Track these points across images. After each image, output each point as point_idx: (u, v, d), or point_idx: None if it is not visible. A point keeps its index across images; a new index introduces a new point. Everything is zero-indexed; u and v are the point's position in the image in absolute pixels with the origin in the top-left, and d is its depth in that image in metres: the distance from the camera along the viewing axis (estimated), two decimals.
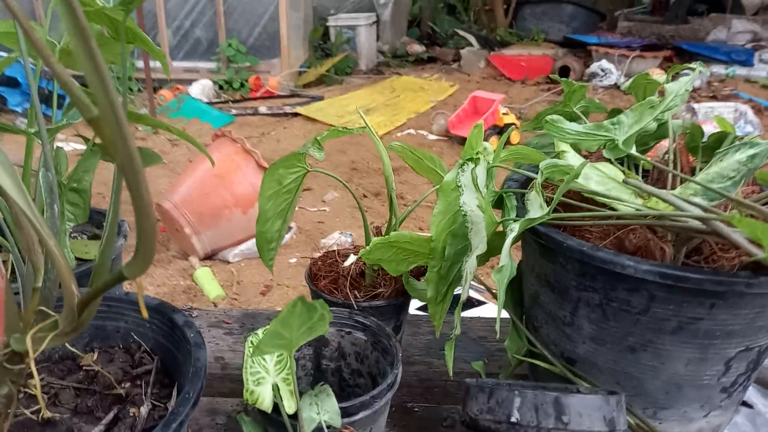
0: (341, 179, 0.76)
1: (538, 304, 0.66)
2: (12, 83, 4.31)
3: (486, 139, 3.69)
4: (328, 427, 0.51)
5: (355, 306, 0.68)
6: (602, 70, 5.07)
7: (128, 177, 0.29)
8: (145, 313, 0.37)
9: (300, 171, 0.69)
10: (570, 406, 0.49)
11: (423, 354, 0.82)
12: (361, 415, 0.53)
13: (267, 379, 0.48)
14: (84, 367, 0.55)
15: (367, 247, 0.62)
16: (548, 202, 0.57)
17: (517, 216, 0.62)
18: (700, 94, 4.73)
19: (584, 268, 0.57)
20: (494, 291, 0.77)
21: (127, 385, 0.53)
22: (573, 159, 0.63)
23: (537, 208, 0.57)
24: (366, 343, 0.65)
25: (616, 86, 5.09)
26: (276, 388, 0.48)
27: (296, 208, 2.60)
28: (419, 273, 0.77)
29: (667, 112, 0.68)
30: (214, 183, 2.28)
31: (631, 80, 0.76)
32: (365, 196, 3.14)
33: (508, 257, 0.54)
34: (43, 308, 0.41)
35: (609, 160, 0.66)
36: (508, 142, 3.38)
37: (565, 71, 5.31)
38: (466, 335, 0.87)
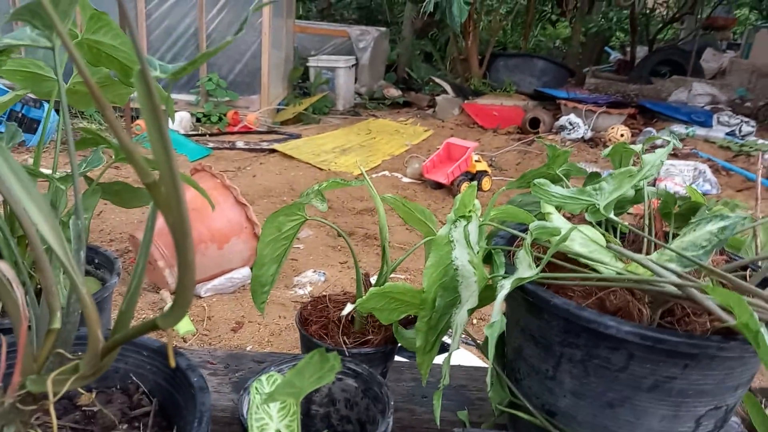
0: (340, 230, 0.79)
1: (522, 357, 0.69)
2: None
3: (458, 185, 3.78)
4: None
5: (346, 353, 0.70)
6: (570, 124, 5.27)
7: (177, 236, 0.32)
8: (172, 362, 0.39)
9: (299, 219, 0.72)
10: None
11: (406, 401, 0.83)
12: None
13: (270, 425, 0.50)
14: (81, 407, 0.55)
15: (364, 297, 0.65)
16: (535, 260, 0.61)
17: (505, 273, 0.66)
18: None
19: (568, 326, 0.61)
20: (476, 339, 0.80)
21: (125, 426, 0.54)
22: (559, 221, 0.68)
23: (526, 267, 0.61)
24: (356, 390, 0.67)
25: (583, 139, 5.29)
26: None
27: None
28: (406, 322, 0.79)
29: (643, 181, 0.73)
30: (191, 217, 2.26)
31: (610, 148, 0.82)
32: (339, 235, 3.16)
33: (500, 313, 0.57)
34: (60, 350, 0.43)
35: (590, 223, 0.71)
36: (480, 189, 3.45)
37: (535, 123, 5.50)
38: (450, 382, 0.89)
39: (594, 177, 0.86)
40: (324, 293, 0.83)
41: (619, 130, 4.97)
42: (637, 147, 0.83)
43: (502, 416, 0.75)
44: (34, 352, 0.45)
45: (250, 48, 5.14)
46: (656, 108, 5.88)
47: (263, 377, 0.52)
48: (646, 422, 0.60)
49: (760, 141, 5.17)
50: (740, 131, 5.36)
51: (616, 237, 0.74)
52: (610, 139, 4.96)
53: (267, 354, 0.92)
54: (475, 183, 0.71)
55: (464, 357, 1.85)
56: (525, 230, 0.74)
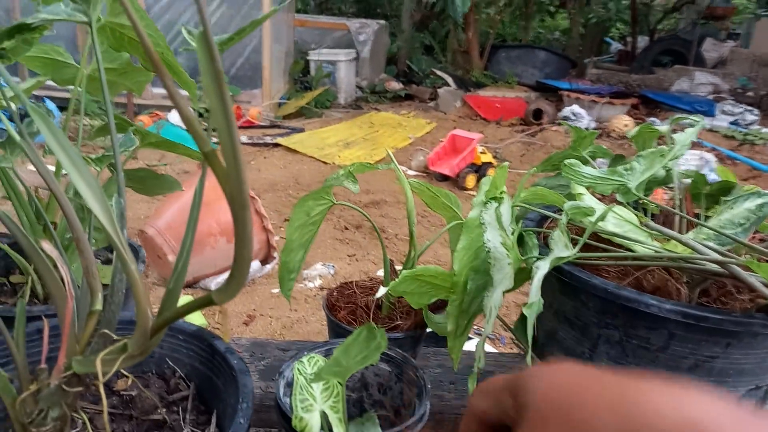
0: (365, 213, 0.78)
1: (555, 340, 0.69)
2: None
3: (464, 177, 3.77)
4: None
5: None
6: (574, 115, 5.25)
7: (236, 208, 0.31)
8: (227, 338, 0.38)
9: (326, 203, 0.71)
10: None
11: (434, 387, 0.83)
12: None
13: (315, 406, 0.49)
14: (119, 392, 0.55)
15: (397, 280, 0.64)
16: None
17: (539, 254, 0.65)
18: (665, 141, 4.94)
19: (606, 306, 0.60)
20: (507, 323, 0.79)
21: (163, 411, 0.54)
22: (591, 201, 0.67)
23: (562, 248, 0.60)
24: (390, 375, 0.66)
25: (587, 130, 5.27)
26: (323, 416, 0.49)
27: (277, 238, 2.60)
28: (435, 307, 0.79)
29: (673, 161, 0.72)
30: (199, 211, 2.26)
31: (636, 129, 0.81)
32: (347, 228, 3.16)
33: (538, 294, 0.57)
34: (105, 331, 0.42)
35: (621, 204, 0.70)
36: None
37: (538, 114, 5.49)
38: (470, 369, 0.89)
39: (618, 159, 0.85)
40: (350, 279, 0.82)
41: (622, 120, 4.96)
42: (664, 128, 0.82)
43: None
44: (77, 333, 0.44)
45: (251, 42, 5.13)
46: (659, 98, 5.86)
47: (304, 358, 0.52)
48: None
49: (764, 130, 5.15)
50: (744, 120, 5.35)
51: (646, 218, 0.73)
52: (614, 130, 4.95)
53: (291, 342, 0.91)
54: (506, 164, 0.70)
55: (470, 345, 1.85)
56: (555, 212, 0.73)
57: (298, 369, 0.49)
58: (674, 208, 0.72)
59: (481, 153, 3.93)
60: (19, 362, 0.41)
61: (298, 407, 0.47)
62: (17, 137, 0.43)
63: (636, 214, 0.68)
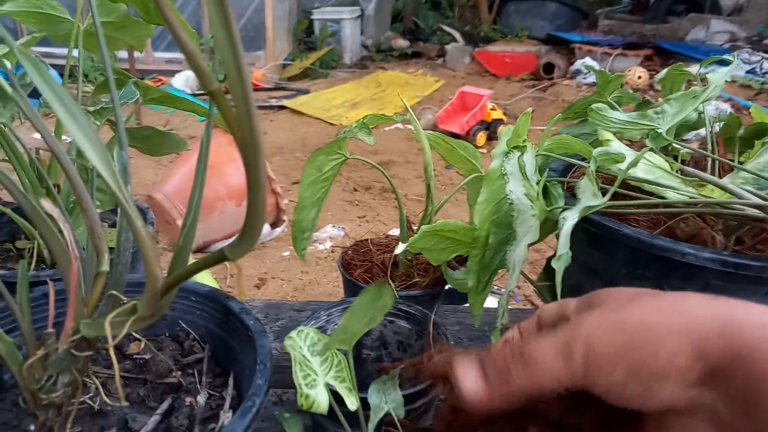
0: (380, 168, 0.75)
1: (580, 294, 0.66)
2: None
3: (474, 135, 3.72)
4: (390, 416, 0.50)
5: (397, 294, 0.67)
6: (586, 68, 5.13)
7: (248, 153, 0.28)
8: (242, 296, 0.35)
9: (339, 158, 0.68)
10: None
11: (453, 344, 0.81)
12: (419, 402, 0.52)
13: (318, 380, 0.46)
14: (132, 356, 0.53)
15: (415, 235, 0.61)
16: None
17: (565, 204, 0.62)
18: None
19: (637, 257, 0.57)
20: (530, 278, 0.77)
21: (178, 374, 0.52)
22: (619, 147, 0.63)
23: (591, 196, 0.57)
24: (410, 332, 0.64)
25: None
26: (329, 387, 0.47)
27: (286, 202, 2.58)
28: (453, 263, 0.76)
29: (706, 103, 0.68)
30: (206, 174, 2.24)
31: (664, 72, 0.76)
32: (356, 190, 3.13)
33: (567, 245, 0.54)
34: (113, 292, 0.40)
35: (651, 149, 0.67)
36: (496, 138, 3.40)
37: (549, 68, 5.36)
38: (492, 326, 0.87)
39: (644, 105, 0.80)
40: (365, 237, 0.79)
41: (636, 72, 4.83)
42: (694, 69, 0.77)
43: None
44: (84, 297, 0.42)
45: (253, 2, 5.00)
46: (673, 48, 5.69)
47: (294, 333, 0.49)
48: None
49: None
50: (761, 68, 5.20)
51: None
52: (627, 82, 4.82)
53: (306, 303, 0.90)
54: (530, 109, 0.66)
55: (489, 303, 1.83)
56: (580, 161, 0.69)
57: (291, 346, 0.47)
58: (709, 153, 0.68)
59: (491, 110, 3.86)
60: (24, 327, 0.39)
61: (301, 384, 0.44)
62: (9, 89, 0.40)
63: (667, 160, 0.64)
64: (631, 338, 0.27)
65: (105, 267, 0.41)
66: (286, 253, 2.43)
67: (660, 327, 0.27)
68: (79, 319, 0.40)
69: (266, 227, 2.45)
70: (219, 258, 0.32)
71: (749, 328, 0.25)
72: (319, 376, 0.48)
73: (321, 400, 0.46)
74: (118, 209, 0.41)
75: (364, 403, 0.49)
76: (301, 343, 0.50)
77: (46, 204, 0.38)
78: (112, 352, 0.36)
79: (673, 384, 0.26)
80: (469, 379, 0.29)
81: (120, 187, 0.34)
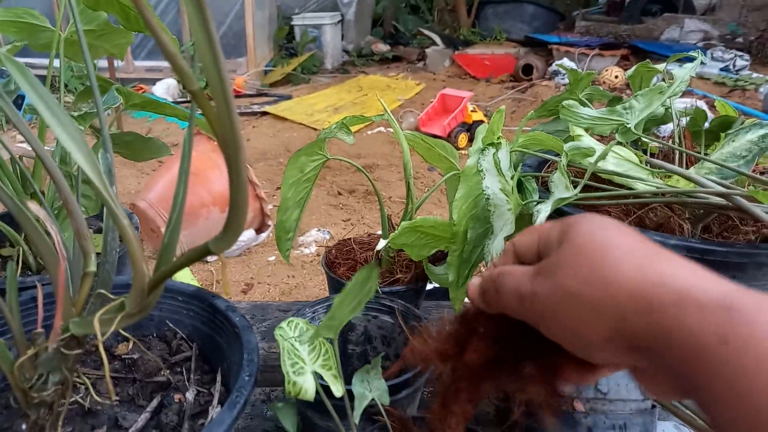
0: (361, 168, 0.77)
1: None
2: None
3: (455, 137, 3.74)
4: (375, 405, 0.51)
5: (379, 291, 0.69)
6: (563, 69, 5.19)
7: (229, 152, 0.29)
8: (227, 291, 0.37)
9: (320, 159, 0.69)
10: (608, 377, 0.51)
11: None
12: (404, 393, 0.53)
13: (305, 368, 0.48)
14: (120, 356, 0.54)
15: (396, 232, 0.63)
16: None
17: (539, 198, 0.64)
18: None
19: None
20: None
21: (167, 372, 0.53)
22: (590, 142, 0.66)
23: (563, 189, 0.59)
24: (393, 326, 0.66)
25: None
26: (316, 376, 0.48)
27: (270, 207, 2.59)
28: (434, 259, 0.78)
29: (673, 98, 0.71)
30: (190, 181, 2.22)
31: (633, 69, 0.79)
32: (340, 194, 3.14)
33: None
34: (102, 291, 0.41)
35: (620, 144, 0.69)
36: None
37: (528, 70, 5.41)
38: None
39: (616, 101, 0.83)
40: (348, 237, 0.81)
41: (613, 72, 4.90)
42: (661, 66, 0.80)
43: None
44: (72, 297, 0.43)
45: (233, 8, 5.00)
46: (649, 48, 5.79)
47: (284, 323, 0.50)
48: None
49: (755, 75, 5.11)
50: (734, 66, 5.30)
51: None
52: (604, 82, 4.89)
53: (291, 303, 0.91)
54: (503, 107, 0.68)
55: None
56: (554, 156, 0.72)
57: (281, 335, 0.48)
58: (676, 146, 0.71)
59: (472, 111, 3.89)
60: (14, 328, 0.40)
61: (289, 372, 0.46)
62: None
63: (635, 153, 0.67)
64: (566, 306, 0.30)
65: (92, 267, 0.42)
66: (272, 258, 2.43)
67: (587, 301, 0.29)
68: (68, 318, 0.41)
69: (251, 232, 2.46)
70: (203, 252, 0.33)
71: (667, 309, 0.27)
72: (306, 365, 0.49)
73: (308, 387, 0.48)
74: (104, 212, 0.43)
75: (350, 395, 0.51)
76: (291, 332, 0.52)
77: (33, 206, 0.39)
78: (101, 348, 0.37)
79: (604, 352, 0.30)
80: (472, 290, 0.38)
81: (106, 187, 0.35)
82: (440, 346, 0.41)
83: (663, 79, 0.78)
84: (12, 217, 0.75)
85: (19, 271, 0.69)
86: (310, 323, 0.52)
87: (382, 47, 6.56)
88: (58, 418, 0.42)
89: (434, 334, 0.43)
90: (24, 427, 0.42)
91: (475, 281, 0.38)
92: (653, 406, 0.53)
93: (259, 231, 2.51)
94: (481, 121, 3.90)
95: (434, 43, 6.34)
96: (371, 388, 0.51)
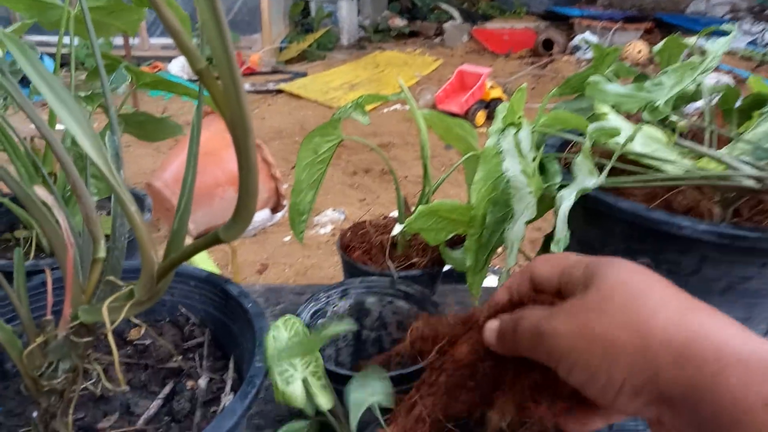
0: (377, 148, 0.75)
1: None
2: None
3: (473, 114, 3.69)
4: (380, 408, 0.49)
5: (395, 275, 0.67)
6: (586, 43, 5.07)
7: (237, 133, 0.28)
8: (237, 277, 0.35)
9: (335, 139, 0.68)
10: None
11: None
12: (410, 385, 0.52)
13: (296, 375, 0.46)
14: (132, 342, 0.54)
15: (412, 216, 0.61)
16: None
17: (562, 180, 0.62)
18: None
19: (634, 231, 0.57)
20: (529, 258, 0.77)
21: (179, 358, 0.52)
22: (616, 121, 0.63)
23: (587, 174, 0.57)
24: (409, 312, 0.64)
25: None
26: (307, 383, 0.47)
27: (285, 186, 2.58)
28: (451, 243, 0.76)
29: (704, 74, 0.67)
30: (205, 161, 2.23)
31: (662, 43, 0.75)
32: (355, 173, 3.12)
33: (565, 228, 0.54)
34: (111, 278, 0.40)
35: (647, 122, 0.66)
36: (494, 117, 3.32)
37: (548, 44, 5.30)
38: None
39: (642, 78, 0.80)
40: (363, 219, 0.79)
41: (636, 47, 4.78)
42: (691, 40, 0.76)
43: None
44: (81, 283, 0.42)
45: None
46: (674, 21, 5.63)
47: (279, 322, 0.48)
48: None
49: None
50: (763, 39, 5.14)
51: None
52: (627, 56, 4.78)
53: (305, 286, 0.90)
54: (524, 85, 0.66)
55: (488, 282, 1.84)
56: (578, 136, 0.69)
57: (273, 336, 0.46)
58: (706, 125, 0.68)
59: (491, 88, 3.83)
60: (23, 315, 0.39)
61: (277, 380, 0.44)
62: None
63: (664, 133, 0.64)
64: (592, 349, 0.30)
65: (101, 253, 0.41)
66: (287, 239, 2.43)
67: (619, 348, 0.29)
68: (78, 305, 0.40)
69: (266, 212, 2.46)
70: (212, 240, 0.32)
71: (706, 363, 0.26)
72: (298, 371, 0.47)
73: (298, 396, 0.46)
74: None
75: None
76: (286, 333, 0.49)
77: (41, 191, 0.38)
78: (110, 337, 0.36)
79: (628, 399, 0.29)
80: (489, 334, 0.38)
81: (111, 171, 0.33)
82: (440, 333, 0.42)
83: (689, 55, 0.74)
84: None
85: (33, 253, 0.69)
86: (306, 326, 0.50)
87: (399, 22, 6.46)
88: (69, 406, 0.42)
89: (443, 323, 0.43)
90: (36, 414, 0.42)
91: (492, 325, 0.38)
92: None
93: (274, 211, 2.51)
94: (500, 99, 3.84)
95: (452, 18, 6.23)
96: (371, 392, 0.49)
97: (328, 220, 2.60)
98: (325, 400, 0.47)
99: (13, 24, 0.76)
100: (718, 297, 0.56)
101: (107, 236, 0.71)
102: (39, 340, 0.38)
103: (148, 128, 0.72)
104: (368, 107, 0.73)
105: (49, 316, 0.41)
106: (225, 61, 0.26)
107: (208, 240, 0.32)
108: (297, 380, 0.47)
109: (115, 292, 0.40)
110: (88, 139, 0.33)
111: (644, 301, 0.29)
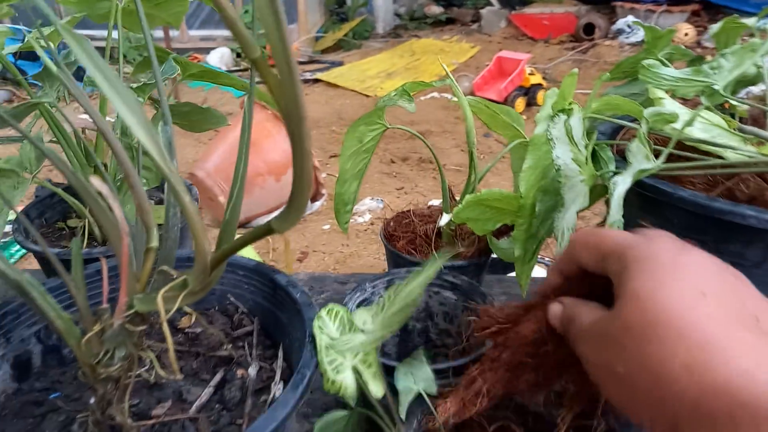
0: (421, 137, 0.74)
1: None
2: (31, 57, 4.29)
3: (512, 101, 3.63)
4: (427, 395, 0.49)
5: (442, 266, 0.66)
6: (629, 27, 4.92)
7: (292, 123, 0.27)
8: (291, 268, 0.35)
9: (379, 128, 0.67)
10: None
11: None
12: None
13: (345, 364, 0.46)
14: (183, 330, 0.54)
15: (460, 206, 0.60)
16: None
17: (616, 168, 0.60)
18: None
19: (694, 221, 0.55)
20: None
21: (229, 347, 0.53)
22: (673, 106, 0.60)
23: (642, 159, 0.55)
24: (456, 303, 0.63)
25: (644, 42, 4.95)
26: (357, 372, 0.46)
27: (324, 175, 2.59)
28: (497, 233, 0.75)
29: (765, 57, 0.64)
30: None
31: (719, 25, 0.72)
32: (393, 162, 3.12)
33: (620, 211, 0.52)
34: (165, 268, 0.40)
35: (706, 107, 0.63)
36: (535, 103, 3.28)
37: (589, 29, 5.17)
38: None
39: (697, 61, 0.76)
40: (406, 208, 0.79)
41: (682, 29, 4.61)
42: (751, 21, 0.73)
43: None
44: (135, 272, 0.43)
45: None
46: (722, 2, 5.40)
47: (323, 312, 0.47)
48: None
49: None
50: None
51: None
52: (673, 40, 4.61)
53: (349, 275, 0.90)
54: (576, 70, 0.63)
55: (537, 273, 1.81)
56: (630, 123, 0.67)
57: (319, 327, 0.46)
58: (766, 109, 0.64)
59: (530, 74, 3.75)
60: (80, 303, 0.40)
61: (327, 370, 0.44)
62: (54, 68, 0.40)
63: (723, 118, 0.61)
64: (612, 384, 0.30)
65: (154, 242, 0.42)
66: (327, 227, 2.44)
67: (636, 391, 0.29)
68: (132, 294, 0.41)
69: None
70: (266, 231, 0.32)
71: (718, 425, 0.25)
72: (346, 359, 0.47)
73: (348, 384, 0.45)
74: (165, 186, 0.42)
75: (393, 388, 0.49)
76: (330, 323, 0.49)
77: (96, 182, 0.38)
78: (165, 327, 0.37)
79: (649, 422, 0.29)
80: (552, 317, 0.39)
81: (166, 161, 0.34)
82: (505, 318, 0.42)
83: (750, 36, 0.71)
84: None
85: (85, 242, 0.70)
86: (349, 312, 0.49)
87: (435, 9, 6.39)
88: (125, 392, 0.43)
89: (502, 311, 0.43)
90: (93, 400, 0.43)
91: (556, 308, 0.39)
92: None
93: (313, 200, 2.53)
94: (540, 85, 3.77)
95: (489, 4, 6.13)
96: (416, 380, 0.48)
97: (366, 209, 2.60)
98: (377, 388, 0.47)
99: (63, 18, 0.78)
100: None
101: (159, 225, 0.72)
102: (96, 328, 0.39)
103: (192, 119, 0.73)
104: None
105: (105, 305, 0.41)
106: (281, 51, 0.25)
107: (261, 231, 0.32)
108: (347, 369, 0.46)
109: (168, 281, 0.40)
110: (143, 129, 0.33)
111: (664, 333, 0.28)
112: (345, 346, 0.44)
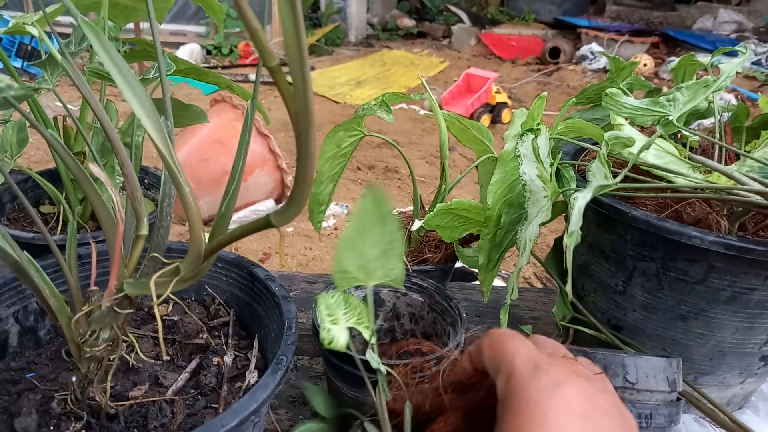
0: (397, 146, 0.77)
1: (587, 274, 0.69)
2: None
3: (478, 117, 3.71)
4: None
5: (409, 269, 0.70)
6: (592, 53, 5.11)
7: (300, 128, 0.30)
8: (282, 262, 0.38)
9: (358, 135, 0.70)
10: (637, 367, 0.52)
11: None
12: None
13: (340, 320, 0.48)
14: (162, 317, 0.56)
15: (432, 213, 0.64)
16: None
17: (577, 186, 0.64)
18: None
19: (645, 238, 0.59)
20: (538, 257, 0.79)
21: (205, 336, 0.54)
22: (631, 131, 0.65)
23: (601, 178, 0.59)
24: (422, 304, 0.67)
25: (605, 70, 5.15)
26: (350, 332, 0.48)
27: (290, 178, 2.59)
28: (463, 241, 0.78)
29: (717, 92, 0.70)
30: (213, 149, 2.26)
31: (677, 61, 0.78)
32: (359, 169, 3.15)
33: (579, 222, 0.56)
34: (156, 255, 0.42)
35: (660, 136, 0.69)
36: (499, 121, 3.36)
37: (555, 53, 5.34)
38: (497, 303, 0.90)
39: (655, 92, 0.82)
40: None
41: (642, 60, 4.82)
42: (705, 59, 0.79)
43: (559, 333, 0.75)
44: (124, 258, 0.44)
45: None
46: (680, 36, 5.67)
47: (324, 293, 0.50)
48: (719, 334, 0.60)
49: None
50: (767, 60, 5.18)
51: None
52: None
53: (318, 275, 0.92)
54: (545, 94, 0.68)
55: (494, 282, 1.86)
56: (591, 145, 0.72)
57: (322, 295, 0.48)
58: (716, 141, 0.70)
59: (496, 92, 3.86)
60: (72, 285, 0.41)
61: (325, 320, 0.46)
62: (58, 56, 0.42)
63: (676, 146, 0.66)
64: None
65: (144, 230, 0.43)
66: (290, 230, 2.45)
67: None
68: (122, 279, 0.42)
69: (271, 203, 2.48)
70: (264, 224, 0.34)
71: None
72: (341, 322, 0.49)
73: (340, 337, 0.47)
74: (162, 177, 0.44)
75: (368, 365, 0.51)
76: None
77: (94, 168, 0.40)
78: (156, 311, 0.38)
79: None
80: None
81: (170, 152, 0.36)
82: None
83: (701, 71, 0.77)
84: (51, 175, 0.77)
85: (59, 228, 0.71)
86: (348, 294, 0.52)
87: (408, 22, 6.48)
88: (107, 373, 0.44)
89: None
90: (74, 378, 0.44)
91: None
92: (679, 399, 0.54)
93: (278, 201, 2.53)
94: (505, 103, 3.87)
95: (460, 21, 6.26)
96: None
97: (331, 214, 2.62)
98: (367, 336, 0.48)
99: (49, 6, 0.78)
100: (722, 306, 0.58)
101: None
102: (86, 308, 0.41)
103: (176, 114, 0.74)
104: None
105: (93, 287, 0.43)
106: (298, 61, 0.28)
107: (259, 224, 0.34)
108: (341, 323, 0.48)
109: (158, 268, 0.42)
110: (150, 120, 0.35)
111: None
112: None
